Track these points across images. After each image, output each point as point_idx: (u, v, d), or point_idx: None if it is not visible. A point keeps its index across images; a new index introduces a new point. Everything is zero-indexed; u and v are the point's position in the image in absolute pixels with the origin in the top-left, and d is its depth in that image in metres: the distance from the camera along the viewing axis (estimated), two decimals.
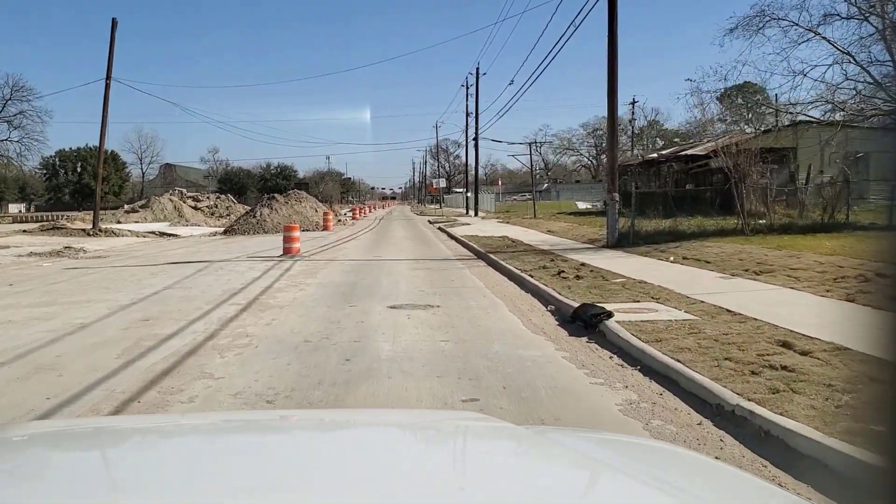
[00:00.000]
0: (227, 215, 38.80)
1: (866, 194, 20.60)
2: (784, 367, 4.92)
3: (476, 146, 48.77)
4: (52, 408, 4.73)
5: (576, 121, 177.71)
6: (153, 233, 28.81)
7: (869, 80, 18.74)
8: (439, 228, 29.51)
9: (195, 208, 40.66)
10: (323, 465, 1.34)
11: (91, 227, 28.46)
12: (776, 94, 25.66)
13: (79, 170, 75.53)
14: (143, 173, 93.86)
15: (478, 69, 47.38)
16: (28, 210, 69.66)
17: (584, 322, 7.10)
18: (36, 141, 60.33)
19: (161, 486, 1.21)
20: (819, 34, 18.52)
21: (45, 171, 77.84)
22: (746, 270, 10.13)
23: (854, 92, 18.18)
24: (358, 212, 53.38)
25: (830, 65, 18.64)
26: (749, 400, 4.24)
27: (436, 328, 7.32)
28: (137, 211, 39.21)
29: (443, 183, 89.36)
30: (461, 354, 6.09)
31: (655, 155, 35.10)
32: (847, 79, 19.02)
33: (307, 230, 28.18)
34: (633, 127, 67.00)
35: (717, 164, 22.23)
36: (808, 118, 21.58)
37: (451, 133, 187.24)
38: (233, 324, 7.76)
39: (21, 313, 8.77)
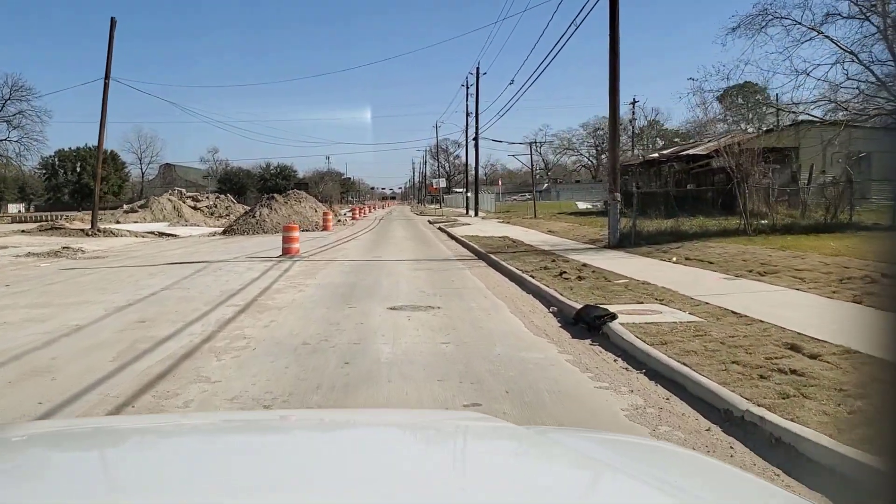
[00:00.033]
0: (227, 215, 38.70)
1: (868, 194, 20.49)
2: (793, 371, 4.82)
3: (476, 146, 48.71)
4: (45, 413, 4.62)
5: (576, 121, 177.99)
6: (152, 233, 28.69)
7: (871, 79, 18.65)
8: (439, 228, 29.41)
9: (194, 208, 40.56)
10: (323, 465, 1.33)
11: (90, 227, 28.33)
12: (776, 95, 25.61)
13: (78, 170, 75.41)
14: (143, 173, 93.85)
15: (478, 69, 47.37)
16: (28, 210, 69.54)
17: (587, 324, 6.99)
18: (35, 141, 60.33)
19: (161, 486, 1.20)
20: (822, 33, 18.44)
21: (44, 171, 77.72)
22: (750, 271, 10.02)
23: (857, 91, 18.06)
24: (358, 212, 53.25)
25: (833, 64, 18.55)
26: (759, 405, 4.13)
27: (436, 330, 7.21)
28: (136, 211, 39.11)
29: (443, 183, 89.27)
30: (462, 357, 5.99)
31: (656, 155, 35.00)
32: (848, 78, 18.94)
33: (307, 230, 28.07)
34: (633, 127, 66.89)
35: (718, 163, 22.14)
36: (811, 117, 21.49)
37: (451, 133, 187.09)
38: (230, 325, 7.65)
39: (16, 314, 8.66)
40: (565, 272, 10.77)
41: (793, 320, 6.44)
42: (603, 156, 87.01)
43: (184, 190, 47.91)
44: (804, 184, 20.48)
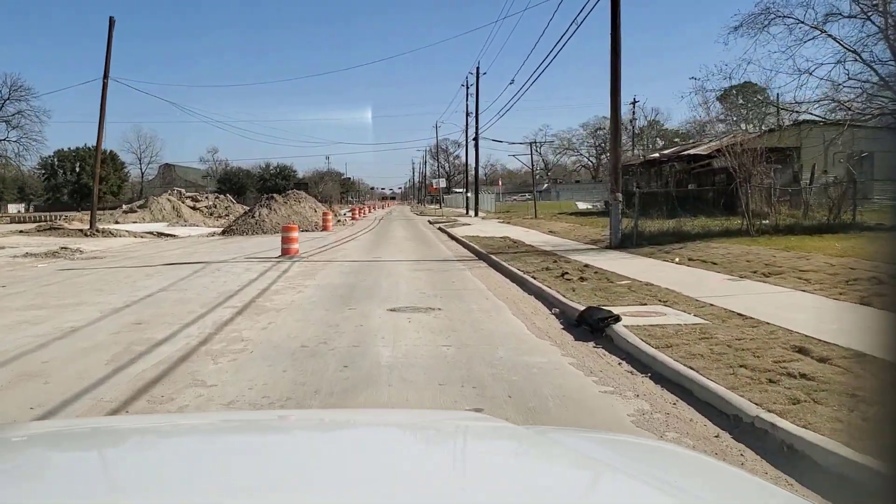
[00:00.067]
0: (226, 215, 38.58)
1: (870, 194, 20.37)
2: (803, 375, 4.70)
3: (476, 146, 48.58)
4: (36, 418, 4.50)
5: (576, 121, 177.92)
6: (151, 233, 28.57)
7: (873, 78, 18.54)
8: (439, 229, 29.29)
9: (194, 208, 40.44)
10: (323, 465, 1.33)
11: (88, 227, 28.20)
12: (778, 94, 25.50)
13: (77, 170, 75.27)
14: (143, 173, 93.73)
15: (478, 68, 47.25)
16: (27, 210, 69.38)
17: (591, 326, 6.87)
18: (34, 141, 60.19)
19: (161, 485, 1.20)
20: (825, 31, 18.33)
21: (43, 172, 77.54)
22: (755, 272, 9.91)
23: (860, 90, 17.95)
24: (357, 212, 53.13)
25: (836, 63, 18.44)
26: (769, 411, 4.02)
27: (437, 332, 7.10)
28: (135, 211, 38.99)
29: (443, 183, 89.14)
30: (464, 360, 5.87)
31: (657, 155, 34.90)
32: (850, 78, 18.83)
33: (306, 231, 27.96)
34: (633, 127, 66.76)
35: (719, 163, 22.01)
36: (814, 117, 21.36)
37: (451, 133, 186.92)
38: (228, 328, 7.53)
39: (10, 316, 8.53)
40: (567, 273, 10.65)
41: (800, 322, 6.33)
42: (603, 156, 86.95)
43: (183, 190, 47.76)
44: (806, 184, 20.36)
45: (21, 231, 30.75)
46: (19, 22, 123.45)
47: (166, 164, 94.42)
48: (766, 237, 14.85)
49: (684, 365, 5.13)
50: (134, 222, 34.63)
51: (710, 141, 30.18)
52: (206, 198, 44.85)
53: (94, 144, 30.01)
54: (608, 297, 8.41)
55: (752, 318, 6.73)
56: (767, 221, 16.53)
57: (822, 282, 8.72)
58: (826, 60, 25.97)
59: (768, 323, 6.43)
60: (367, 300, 9.29)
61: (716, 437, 4.01)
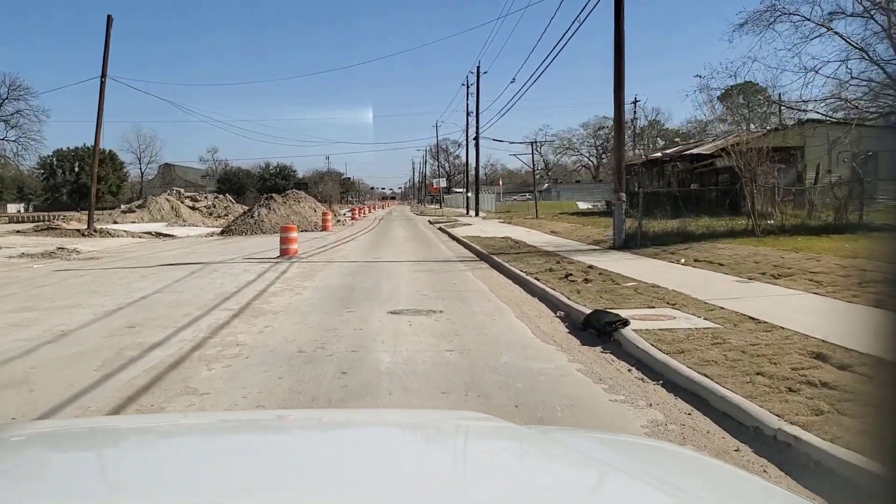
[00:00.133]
0: (225, 215, 38.35)
1: (875, 194, 20.14)
2: (824, 384, 4.48)
3: (476, 145, 48.31)
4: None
5: (576, 121, 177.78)
6: (149, 233, 28.34)
7: (880, 76, 18.30)
8: (440, 229, 29.07)
9: (193, 208, 40.20)
10: (323, 464, 1.33)
11: (86, 227, 27.98)
12: (780, 94, 25.23)
13: (76, 169, 75.05)
14: (142, 173, 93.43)
15: (478, 67, 46.97)
16: (27, 210, 69.13)
17: (598, 330, 6.65)
18: (33, 140, 59.97)
19: (161, 485, 1.19)
20: (831, 29, 18.09)
21: (42, 171, 77.30)
22: (763, 274, 9.68)
23: (867, 89, 17.72)
24: (357, 212, 52.89)
25: (843, 61, 18.19)
26: (792, 423, 3.79)
27: (439, 336, 6.87)
28: (134, 211, 38.76)
29: (443, 183, 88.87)
30: (467, 366, 5.64)
31: (659, 154, 34.68)
32: (853, 77, 18.59)
33: (305, 231, 27.75)
34: (634, 127, 66.54)
35: (722, 163, 21.81)
36: (820, 115, 21.12)
37: (451, 133, 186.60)
38: (223, 331, 7.30)
39: (0, 319, 8.31)
40: (571, 274, 10.43)
41: (815, 326, 6.10)
42: (604, 156, 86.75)
43: (182, 190, 47.52)
44: (811, 183, 20.14)
45: (18, 231, 30.51)
46: (19, 22, 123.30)
47: (166, 163, 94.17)
48: (772, 237, 14.62)
49: (698, 372, 4.90)
50: (132, 222, 34.40)
51: (713, 140, 29.98)
52: (206, 198, 44.62)
53: (93, 144, 29.77)
54: (614, 299, 8.19)
55: (764, 321, 6.51)
56: (772, 222, 16.30)
57: (833, 284, 8.50)
58: (833, 58, 25.71)
59: (782, 327, 6.20)
60: (367, 302, 9.06)
61: (735, 450, 3.79)
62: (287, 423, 1.93)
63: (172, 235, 28.21)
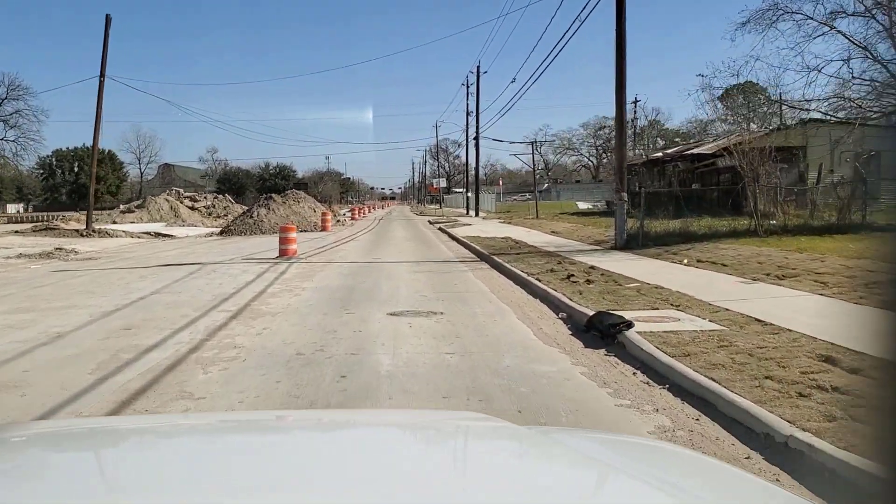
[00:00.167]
0: (225, 215, 38.24)
1: (877, 194, 20.03)
2: (835, 389, 4.37)
3: (476, 145, 48.20)
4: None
5: (576, 121, 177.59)
6: (148, 233, 28.23)
7: (879, 77, 18.19)
8: (440, 229, 28.96)
9: (192, 208, 40.09)
10: (323, 464, 1.32)
11: (84, 227, 27.86)
12: (780, 93, 25.13)
13: (76, 169, 74.89)
14: (142, 173, 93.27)
15: (478, 67, 46.84)
16: (26, 210, 68.99)
17: (601, 332, 6.54)
18: (32, 140, 59.74)
19: (161, 486, 1.19)
20: (834, 27, 17.99)
21: (41, 171, 77.14)
22: (768, 275, 9.57)
23: (870, 88, 17.61)
24: (357, 212, 52.76)
25: (845, 61, 18.07)
26: (804, 430, 3.68)
27: (440, 338, 6.76)
28: (133, 211, 38.65)
29: (443, 183, 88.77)
30: (468, 369, 5.53)
31: (660, 154, 34.57)
32: (854, 77, 18.49)
33: (305, 231, 27.64)
34: (634, 127, 66.41)
35: (724, 163, 21.69)
36: (822, 114, 21.00)
37: (451, 132, 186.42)
38: (220, 333, 7.19)
39: None
40: (573, 275, 10.31)
41: (822, 328, 5.99)
42: (604, 156, 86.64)
43: (181, 190, 47.39)
44: (813, 183, 20.02)
45: (17, 231, 30.40)
46: (19, 22, 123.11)
47: (165, 163, 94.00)
48: (775, 238, 14.51)
49: (705, 376, 4.79)
50: (131, 222, 34.29)
51: (714, 140, 29.86)
52: (205, 198, 44.50)
53: (92, 144, 29.65)
54: (617, 300, 8.08)
55: (771, 323, 6.39)
56: (775, 222, 16.19)
57: (839, 285, 8.38)
58: (835, 57, 25.61)
59: (790, 329, 6.09)
60: (367, 303, 8.95)
61: (746, 458, 3.67)
62: (287, 424, 1.93)
63: (171, 236, 28.10)
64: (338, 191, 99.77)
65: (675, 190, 21.94)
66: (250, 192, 78.95)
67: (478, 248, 16.96)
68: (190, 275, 12.91)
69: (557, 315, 7.99)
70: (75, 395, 4.99)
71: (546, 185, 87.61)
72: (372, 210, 70.23)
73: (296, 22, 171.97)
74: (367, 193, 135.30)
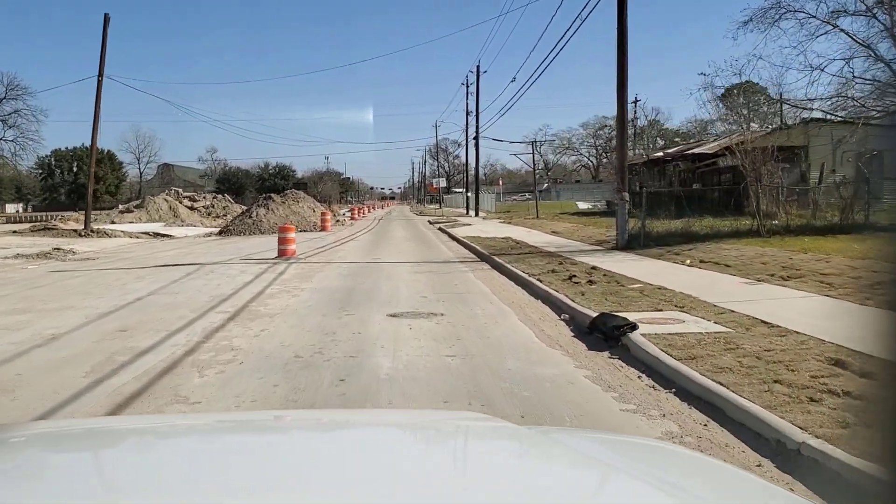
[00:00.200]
0: (224, 215, 38.11)
1: (880, 194, 19.92)
2: (847, 393, 4.26)
3: (476, 145, 48.10)
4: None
5: (576, 121, 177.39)
6: (147, 233, 28.11)
7: (882, 76, 18.08)
8: (440, 229, 28.85)
9: (191, 208, 39.96)
10: (322, 465, 1.32)
11: (83, 227, 27.74)
12: (780, 93, 25.00)
13: (75, 169, 74.69)
14: (141, 173, 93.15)
15: (478, 67, 46.76)
16: (25, 210, 68.83)
17: (604, 334, 6.43)
18: (31, 140, 59.48)
19: (160, 486, 1.19)
20: (837, 26, 17.87)
21: (40, 171, 76.95)
22: (772, 275, 9.46)
23: (873, 87, 17.50)
24: (357, 212, 52.61)
25: (847, 60, 17.96)
26: (817, 437, 3.57)
27: (440, 340, 6.65)
28: (132, 211, 38.52)
29: (443, 183, 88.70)
30: (470, 372, 5.43)
31: (661, 154, 34.47)
32: (855, 77, 18.38)
33: (304, 231, 27.54)
34: (634, 126, 66.30)
35: (725, 162, 21.58)
36: (825, 114, 20.88)
37: (451, 132, 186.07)
38: (217, 335, 7.08)
39: None
40: (575, 276, 10.21)
41: (830, 331, 5.88)
42: (604, 156, 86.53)
43: (180, 190, 47.26)
44: (815, 183, 19.92)
45: (15, 231, 30.26)
46: (19, 22, 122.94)
47: (165, 163, 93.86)
48: (777, 238, 14.41)
49: (712, 380, 4.68)
50: (130, 222, 34.16)
51: (715, 140, 29.76)
52: (204, 198, 44.37)
53: (91, 144, 29.53)
54: (620, 301, 7.97)
55: (777, 325, 6.28)
56: (777, 222, 16.09)
57: (845, 286, 8.28)
58: (838, 56, 25.48)
59: (797, 332, 5.98)
60: (366, 305, 8.84)
61: (757, 465, 3.56)
62: (285, 424, 1.92)
63: (170, 236, 27.98)
64: (337, 191, 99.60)
65: (677, 190, 21.83)
66: (249, 191, 78.80)
67: (478, 248, 16.85)
68: (187, 275, 12.79)
69: (559, 316, 7.88)
70: (68, 398, 4.87)
71: (546, 185, 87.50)
72: (371, 210, 70.09)
73: (296, 22, 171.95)
74: (366, 193, 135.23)
